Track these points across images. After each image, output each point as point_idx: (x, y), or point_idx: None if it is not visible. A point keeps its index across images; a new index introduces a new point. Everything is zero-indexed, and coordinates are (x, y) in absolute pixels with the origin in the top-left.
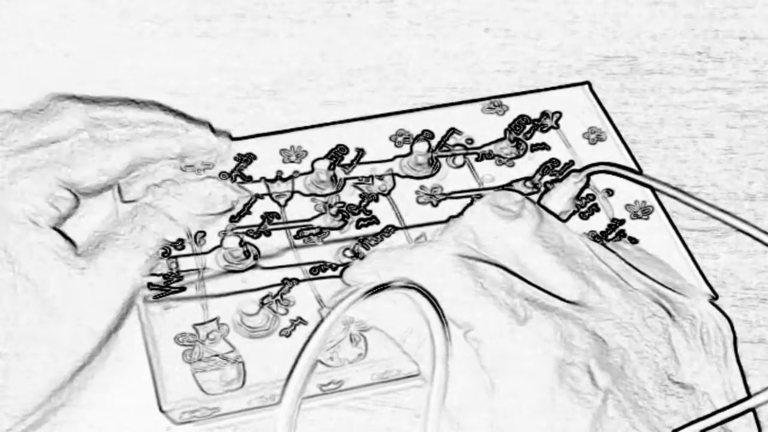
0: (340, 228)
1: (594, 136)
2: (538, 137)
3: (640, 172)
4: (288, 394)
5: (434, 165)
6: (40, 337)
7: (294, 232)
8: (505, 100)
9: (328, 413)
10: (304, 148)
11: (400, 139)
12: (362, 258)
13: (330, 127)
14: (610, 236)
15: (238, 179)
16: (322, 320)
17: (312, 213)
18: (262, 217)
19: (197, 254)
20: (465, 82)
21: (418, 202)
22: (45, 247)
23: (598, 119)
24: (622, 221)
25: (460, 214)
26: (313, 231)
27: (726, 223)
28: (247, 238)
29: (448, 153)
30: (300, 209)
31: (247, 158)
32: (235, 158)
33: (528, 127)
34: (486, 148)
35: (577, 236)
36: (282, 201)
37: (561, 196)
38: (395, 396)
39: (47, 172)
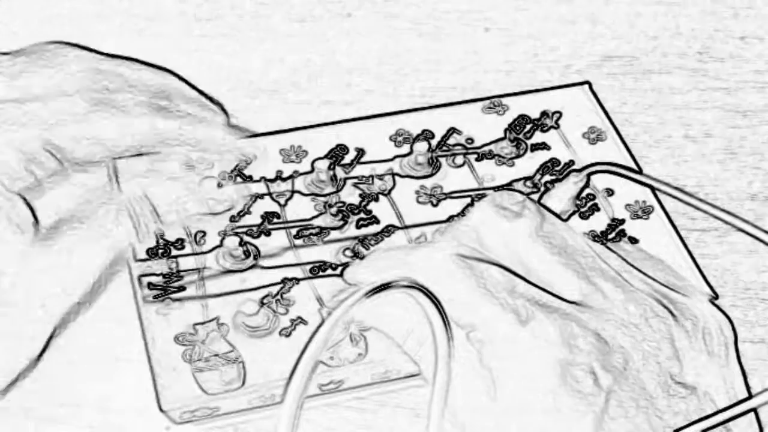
0: (340, 228)
1: (594, 136)
2: (538, 137)
3: (640, 172)
4: (290, 394)
5: (434, 165)
6: None
7: (294, 231)
8: (505, 100)
9: (328, 413)
10: (304, 148)
11: (400, 139)
12: (362, 258)
13: (330, 127)
14: (610, 236)
15: (238, 179)
16: (324, 320)
17: (312, 213)
18: (262, 216)
19: (197, 254)
20: (465, 82)
21: (418, 202)
22: (2, 213)
23: (598, 119)
24: (622, 221)
25: (461, 213)
26: (313, 231)
27: (726, 222)
28: (247, 238)
29: (448, 153)
30: (300, 209)
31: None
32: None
33: (528, 126)
34: (486, 148)
35: (579, 236)
36: (282, 201)
37: (561, 196)
38: (395, 396)
39: (34, 130)
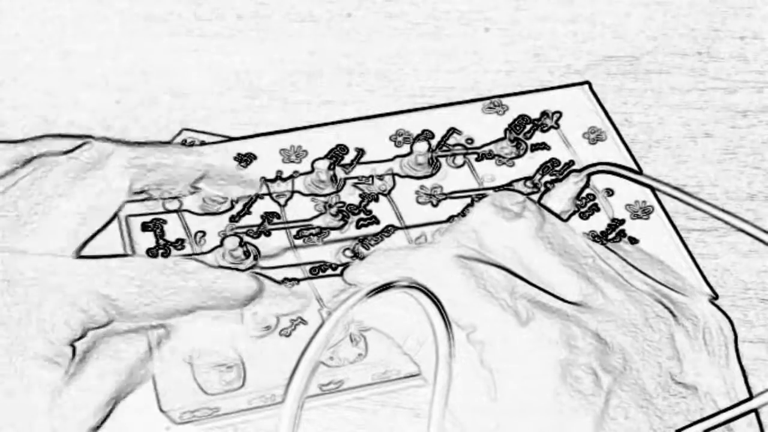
0: (340, 228)
1: (594, 136)
2: (538, 137)
3: (640, 172)
4: (290, 394)
5: (434, 165)
6: None
7: (294, 232)
8: (505, 100)
9: (328, 413)
10: (304, 148)
11: (400, 139)
12: (362, 258)
13: (330, 127)
14: (610, 236)
15: None
16: (324, 320)
17: (312, 213)
18: (262, 217)
19: (197, 254)
20: (465, 82)
21: (418, 202)
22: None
23: (598, 119)
24: (622, 221)
25: (461, 214)
26: (313, 231)
27: (726, 222)
28: (247, 238)
29: (448, 153)
30: (300, 209)
31: (247, 158)
32: (234, 158)
33: (528, 127)
34: (486, 148)
35: (579, 237)
36: (282, 201)
37: (561, 196)
38: (395, 396)
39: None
